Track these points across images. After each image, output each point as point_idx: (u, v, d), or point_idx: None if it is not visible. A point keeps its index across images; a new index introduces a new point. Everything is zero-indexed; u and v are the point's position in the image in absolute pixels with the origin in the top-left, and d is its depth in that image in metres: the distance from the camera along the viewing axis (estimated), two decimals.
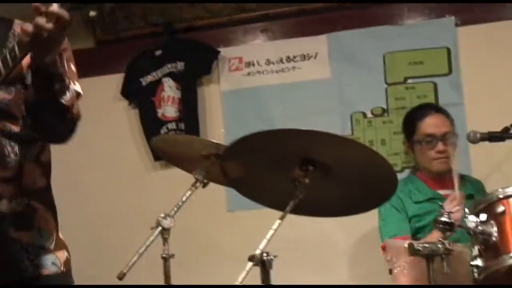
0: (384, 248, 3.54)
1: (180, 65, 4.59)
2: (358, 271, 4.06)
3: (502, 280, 2.52)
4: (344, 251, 4.30)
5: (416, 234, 3.57)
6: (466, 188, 3.70)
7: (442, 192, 3.67)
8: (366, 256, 4.15)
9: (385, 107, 4.43)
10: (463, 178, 3.78)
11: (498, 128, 3.72)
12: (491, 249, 2.48)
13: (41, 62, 2.09)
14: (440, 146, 3.63)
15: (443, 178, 3.71)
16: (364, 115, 4.44)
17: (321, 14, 4.59)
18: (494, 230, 2.48)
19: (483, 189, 3.74)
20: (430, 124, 3.68)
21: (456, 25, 4.36)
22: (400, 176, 4.00)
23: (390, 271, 2.71)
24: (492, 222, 2.50)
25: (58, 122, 2.26)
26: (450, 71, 4.35)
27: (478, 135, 3.64)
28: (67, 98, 2.21)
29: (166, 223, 2.82)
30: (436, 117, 3.72)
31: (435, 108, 3.90)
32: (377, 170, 2.63)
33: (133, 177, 4.65)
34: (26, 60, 2.15)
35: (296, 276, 4.12)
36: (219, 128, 4.64)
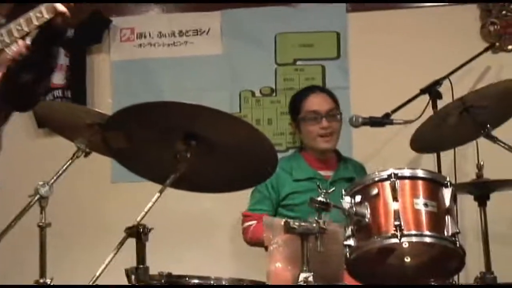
0: (243, 216, 3.76)
1: (69, 32, 4.48)
2: (239, 247, 4.09)
3: (372, 260, 2.60)
4: (226, 226, 4.33)
5: (292, 211, 3.64)
6: (348, 170, 3.78)
7: (323, 172, 3.74)
8: None
9: (273, 87, 4.47)
10: (345, 160, 3.87)
11: (382, 113, 3.84)
12: (363, 230, 2.54)
13: None
14: (324, 122, 3.69)
15: (325, 160, 3.79)
16: (253, 93, 4.48)
17: None
18: (367, 211, 2.54)
19: (365, 172, 3.83)
20: (314, 102, 3.74)
21: (347, 10, 4.44)
22: (284, 155, 4.10)
23: (266, 248, 2.75)
24: (366, 204, 2.56)
25: None
26: (338, 55, 4.44)
27: (360, 119, 3.74)
28: None
29: (44, 191, 2.77)
30: (320, 95, 3.79)
31: (319, 88, 4.01)
32: (259, 149, 2.66)
33: (15, 143, 4.50)
34: None
35: (175, 249, 4.15)
36: (107, 98, 4.58)
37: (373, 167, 3.55)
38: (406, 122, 3.63)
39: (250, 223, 3.70)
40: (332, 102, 3.77)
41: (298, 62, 4.48)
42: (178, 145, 2.64)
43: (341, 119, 3.77)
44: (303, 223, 2.47)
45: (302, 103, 3.77)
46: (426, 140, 3.24)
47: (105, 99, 4.57)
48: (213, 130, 2.63)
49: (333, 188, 2.54)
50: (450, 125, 3.10)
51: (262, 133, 2.64)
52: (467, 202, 3.43)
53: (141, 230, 2.37)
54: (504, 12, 4.33)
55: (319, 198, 2.47)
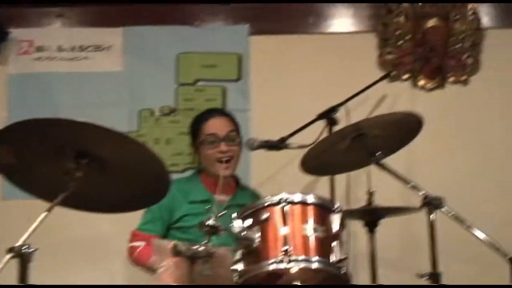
0: (131, 235, 3.68)
1: None
2: (132, 269, 4.04)
3: (261, 284, 2.60)
4: (119, 247, 4.27)
5: (185, 233, 3.61)
6: (245, 197, 3.78)
7: (219, 197, 3.70)
8: None
9: (173, 106, 4.45)
10: (243, 188, 3.87)
11: (281, 136, 3.87)
12: (252, 254, 2.55)
13: None
14: (223, 146, 3.67)
15: (223, 184, 3.76)
16: (152, 112, 4.44)
17: (119, 6, 4.53)
18: (257, 236, 2.55)
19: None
20: (214, 125, 3.73)
21: (249, 33, 4.47)
22: (181, 176, 4.08)
23: (155, 271, 2.72)
24: (256, 228, 2.57)
25: None
26: (239, 77, 4.46)
27: (256, 143, 3.76)
28: None
29: None
30: (220, 119, 3.78)
31: (220, 111, 3.98)
32: (151, 169, 2.64)
33: None
34: None
35: (63, 270, 4.06)
36: (2, 111, 4.45)
37: (270, 191, 3.57)
38: (301, 147, 3.65)
39: (137, 243, 3.63)
40: (232, 126, 3.77)
41: (199, 83, 4.48)
42: (69, 163, 2.59)
43: (240, 143, 3.77)
44: (191, 246, 2.46)
45: (202, 126, 3.75)
46: (317, 163, 3.25)
47: (0, 112, 4.45)
48: (105, 149, 2.60)
49: (224, 211, 2.53)
50: (342, 150, 3.13)
51: (155, 153, 2.62)
52: (359, 227, 3.49)
53: (24, 250, 2.30)
54: (401, 41, 4.44)
55: (209, 222, 2.46)
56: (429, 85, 4.44)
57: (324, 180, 3.89)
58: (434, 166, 4.34)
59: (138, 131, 4.40)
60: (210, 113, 3.85)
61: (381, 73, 4.33)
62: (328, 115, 3.85)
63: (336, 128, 3.79)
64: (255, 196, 3.88)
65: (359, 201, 3.66)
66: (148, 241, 3.52)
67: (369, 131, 3.04)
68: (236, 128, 3.79)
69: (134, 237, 3.68)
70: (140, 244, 3.62)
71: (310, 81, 4.43)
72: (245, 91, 4.44)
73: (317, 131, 3.82)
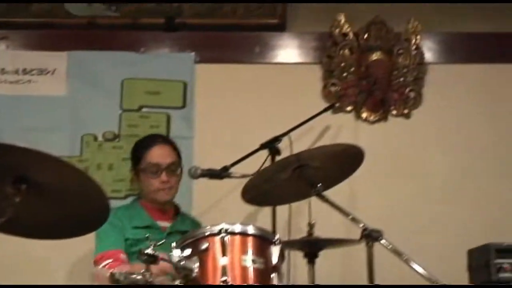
0: (95, 262, 3.53)
1: None
2: None
3: None
4: (59, 273, 4.21)
5: (130, 259, 3.55)
6: (185, 224, 3.76)
7: (160, 223, 3.70)
8: (82, 279, 4.08)
9: (117, 132, 4.42)
10: (183, 215, 3.85)
11: (225, 165, 3.87)
12: (191, 284, 2.53)
13: None
14: (164, 176, 3.65)
15: (164, 210, 3.75)
16: (95, 137, 4.40)
17: (64, 30, 4.51)
18: (196, 266, 2.54)
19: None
20: (156, 154, 3.69)
21: (195, 61, 4.48)
22: (123, 202, 4.04)
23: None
24: (195, 258, 2.56)
25: None
26: (184, 104, 4.45)
27: (198, 171, 3.75)
28: None
29: None
30: (163, 148, 3.75)
31: (163, 138, 3.92)
32: (91, 196, 2.60)
33: None
34: None
35: None
36: None
37: (212, 220, 3.57)
38: (244, 176, 3.65)
39: (105, 262, 3.48)
40: (175, 156, 3.75)
41: (144, 109, 4.46)
42: (7, 188, 2.54)
43: (181, 172, 3.75)
44: (129, 275, 2.44)
45: (145, 153, 3.72)
46: (258, 193, 3.24)
47: None
48: (44, 174, 2.55)
49: (163, 241, 2.52)
50: (283, 180, 3.14)
51: (94, 179, 2.59)
52: (299, 258, 3.50)
53: None
54: (345, 74, 4.50)
55: (147, 251, 2.44)
56: (372, 118, 4.49)
57: (266, 209, 3.90)
58: (375, 198, 4.38)
59: (80, 156, 4.35)
60: (153, 140, 3.81)
61: (325, 104, 4.38)
62: (271, 145, 3.87)
63: (279, 158, 3.81)
64: (196, 223, 3.87)
65: (300, 232, 3.67)
66: (114, 256, 3.46)
67: (311, 162, 3.06)
68: (178, 157, 3.77)
69: (99, 260, 3.56)
70: (108, 262, 3.50)
71: (255, 111, 4.45)
72: (190, 118, 4.44)
73: (260, 161, 3.84)
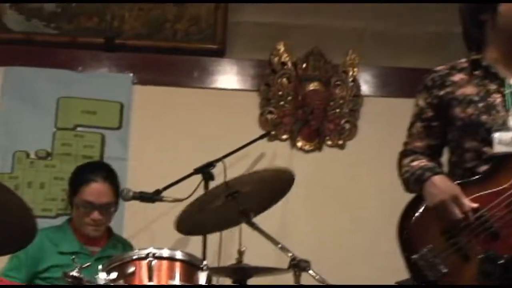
0: None
1: None
2: None
3: None
4: None
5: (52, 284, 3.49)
6: (116, 249, 3.69)
7: (90, 248, 3.62)
8: None
9: (50, 150, 4.35)
10: (116, 238, 3.79)
11: (158, 188, 3.85)
12: None
13: None
14: (96, 214, 3.56)
15: (94, 236, 3.68)
16: (28, 155, 4.32)
17: (2, 45, 4.44)
18: None
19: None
20: (92, 192, 3.56)
21: (133, 82, 4.46)
22: (53, 222, 3.98)
23: None
24: (121, 281, 2.53)
25: None
26: (120, 125, 4.42)
27: (130, 193, 3.72)
28: None
29: None
30: (100, 186, 3.59)
31: (102, 176, 3.67)
32: (18, 215, 2.55)
33: None
34: None
35: None
36: None
37: (142, 243, 3.54)
38: (176, 201, 3.65)
39: None
40: (111, 195, 3.62)
41: (79, 128, 4.40)
42: None
43: (115, 210, 3.67)
44: None
45: (81, 188, 3.58)
46: (191, 223, 3.24)
47: None
48: None
49: (88, 263, 2.49)
50: (215, 208, 3.14)
51: (21, 198, 2.54)
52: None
53: None
54: (282, 102, 4.53)
55: (72, 273, 2.41)
56: (307, 147, 4.53)
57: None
58: (307, 227, 4.40)
59: (11, 173, 4.27)
60: (94, 175, 3.62)
61: (261, 132, 4.40)
62: (205, 170, 3.87)
63: (213, 183, 3.80)
64: (128, 247, 3.81)
65: (231, 258, 3.66)
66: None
67: (242, 188, 3.07)
68: (115, 195, 3.65)
69: None
70: None
71: (191, 135, 4.44)
72: (125, 140, 4.40)
73: (194, 185, 3.83)
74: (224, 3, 4.52)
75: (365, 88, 4.66)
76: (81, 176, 3.67)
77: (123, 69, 4.49)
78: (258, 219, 3.31)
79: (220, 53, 4.57)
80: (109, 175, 3.70)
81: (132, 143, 4.41)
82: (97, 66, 4.52)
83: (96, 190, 3.58)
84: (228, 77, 4.58)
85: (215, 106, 4.50)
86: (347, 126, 4.60)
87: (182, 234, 3.31)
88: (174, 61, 4.54)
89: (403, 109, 4.54)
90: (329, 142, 4.57)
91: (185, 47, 4.53)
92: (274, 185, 3.22)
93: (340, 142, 4.58)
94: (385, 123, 4.58)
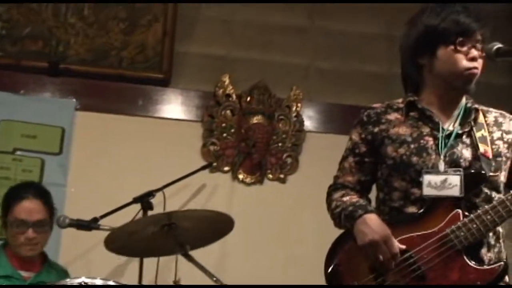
0: None
1: None
2: None
3: None
4: None
5: None
6: (51, 275, 3.63)
7: (23, 273, 3.55)
8: None
9: None
10: (50, 264, 3.72)
11: (97, 215, 3.80)
12: None
13: None
14: (30, 233, 3.49)
15: (29, 260, 3.61)
16: None
17: None
18: None
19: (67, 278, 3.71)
20: (24, 209, 3.51)
21: (76, 108, 4.42)
22: None
23: None
24: None
25: None
26: (60, 151, 4.37)
27: (66, 221, 3.67)
28: None
29: None
30: (33, 203, 3.55)
31: (34, 192, 3.64)
32: None
33: None
34: None
35: None
36: None
37: (78, 271, 3.51)
38: (112, 229, 3.61)
39: None
40: (45, 212, 3.57)
41: (18, 152, 4.34)
42: None
43: (51, 229, 3.62)
44: None
45: (13, 206, 3.53)
46: (122, 243, 3.19)
47: None
48: None
49: None
50: (150, 234, 3.10)
51: None
52: None
53: None
54: (225, 134, 4.54)
55: None
56: (249, 180, 4.54)
57: (134, 263, 3.85)
58: (246, 260, 4.40)
59: None
60: (25, 192, 3.59)
61: (203, 163, 4.41)
62: (144, 199, 3.84)
63: (151, 213, 3.78)
64: (62, 274, 3.75)
65: None
66: None
67: (181, 222, 3.05)
68: (49, 212, 3.60)
69: None
70: None
71: (132, 163, 4.42)
72: (65, 166, 4.36)
73: (133, 214, 3.80)
74: (172, 33, 4.53)
75: (308, 124, 4.71)
76: (13, 195, 3.63)
77: (66, 94, 4.45)
78: (195, 251, 3.31)
79: (165, 83, 4.57)
80: (41, 193, 3.66)
81: (72, 169, 4.37)
82: (40, 90, 4.47)
83: (28, 207, 3.54)
84: (173, 106, 4.58)
85: (158, 136, 4.49)
86: (289, 160, 4.63)
87: (111, 251, 3.24)
88: (118, 89, 4.52)
89: (345, 146, 4.66)
90: (270, 176, 4.59)
91: (130, 75, 4.52)
92: (213, 226, 3.21)
93: (282, 176, 4.60)
94: (327, 159, 4.53)
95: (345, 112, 4.71)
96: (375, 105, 2.69)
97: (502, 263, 2.42)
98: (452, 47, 2.48)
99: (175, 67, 4.57)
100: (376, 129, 2.61)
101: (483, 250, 2.44)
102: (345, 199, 2.61)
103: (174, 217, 3.05)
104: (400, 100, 2.66)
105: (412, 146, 2.52)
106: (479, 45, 2.49)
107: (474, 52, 2.47)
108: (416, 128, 2.56)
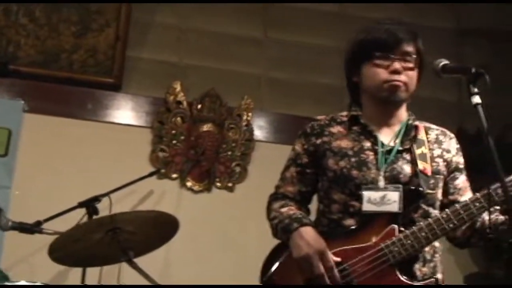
0: None
1: None
2: None
3: None
4: None
5: None
6: None
7: None
8: None
9: None
10: None
11: (42, 219, 3.75)
12: None
13: None
14: None
15: None
16: None
17: None
18: None
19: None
20: None
21: (24, 110, 4.36)
22: None
23: None
24: None
25: None
26: (6, 153, 4.30)
27: (9, 223, 3.62)
28: None
29: None
30: None
31: None
32: None
33: None
34: None
35: None
36: None
37: (19, 275, 3.46)
38: (56, 233, 3.57)
39: None
40: None
41: None
42: None
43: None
44: None
45: None
46: (66, 252, 3.17)
47: None
48: None
49: None
50: (94, 241, 3.09)
51: None
52: None
53: None
54: (174, 141, 4.53)
55: None
56: (197, 187, 4.53)
57: (77, 268, 3.81)
58: (192, 268, 4.38)
59: None
60: None
61: (151, 169, 4.38)
62: (89, 204, 3.81)
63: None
64: (2, 278, 3.70)
65: None
66: None
67: (125, 226, 3.03)
68: None
69: None
70: None
71: (80, 167, 4.37)
72: (11, 167, 4.29)
73: (77, 219, 3.76)
74: (124, 38, 4.50)
75: (258, 133, 4.72)
76: None
77: (14, 95, 4.39)
78: (141, 257, 3.30)
79: (116, 87, 4.54)
80: None
81: (17, 171, 4.30)
82: None
83: None
84: (122, 112, 4.55)
85: (106, 140, 4.45)
86: (238, 169, 4.63)
87: (55, 261, 3.21)
88: (68, 92, 4.48)
89: None
90: (218, 184, 4.58)
91: (81, 79, 4.48)
92: (158, 229, 3.20)
93: (230, 184, 4.60)
94: (275, 169, 4.53)
95: (295, 123, 4.70)
96: (319, 117, 2.72)
97: (433, 279, 2.47)
98: (372, 62, 2.54)
99: (126, 72, 4.55)
100: (318, 141, 2.63)
101: (418, 265, 2.47)
102: (282, 210, 2.63)
103: (118, 220, 3.03)
104: (344, 114, 2.70)
105: (352, 159, 2.54)
106: (409, 58, 2.54)
107: (396, 65, 2.52)
108: (358, 142, 2.59)
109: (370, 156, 2.55)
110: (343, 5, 4.97)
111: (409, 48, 2.55)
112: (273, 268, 2.57)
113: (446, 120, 4.77)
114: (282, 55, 4.84)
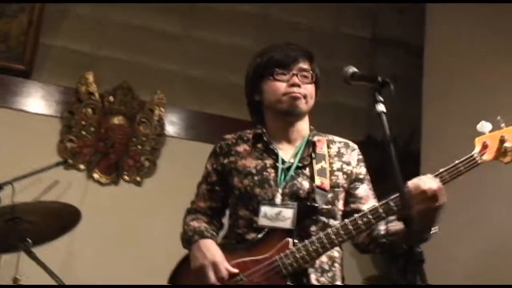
0: None
1: None
2: None
3: None
4: None
5: None
6: None
7: None
8: None
9: None
10: None
11: None
12: None
13: None
14: None
15: None
16: None
17: None
18: None
19: None
20: None
21: None
22: None
23: None
24: None
25: None
26: None
27: None
28: None
29: None
30: None
31: None
32: None
33: None
34: None
35: None
36: None
37: None
38: None
39: None
40: None
41: None
42: None
43: None
44: None
45: None
46: None
47: None
48: None
49: None
50: None
51: None
52: None
53: None
54: (84, 132, 4.48)
55: None
56: (104, 180, 4.50)
57: None
58: (95, 260, 4.33)
59: None
60: None
61: (58, 159, 4.32)
62: None
63: None
64: None
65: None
66: None
67: (25, 215, 2.99)
68: None
69: None
70: None
71: None
72: None
73: None
74: (37, 24, 4.43)
75: (169, 129, 4.72)
76: None
77: None
78: (42, 248, 3.25)
79: (26, 74, 4.46)
80: None
81: None
82: None
83: None
84: (32, 100, 4.48)
85: (14, 127, 4.38)
86: (147, 163, 4.62)
87: None
88: None
89: (204, 154, 4.64)
90: (126, 177, 4.56)
91: None
92: (59, 220, 3.16)
93: (138, 178, 4.58)
94: (185, 165, 4.62)
95: (207, 120, 4.75)
96: (227, 136, 2.82)
97: None
98: (271, 77, 2.66)
99: (38, 60, 4.48)
100: (225, 161, 2.73)
101: (315, 275, 2.57)
102: (191, 223, 2.73)
103: (18, 210, 2.98)
104: (250, 131, 2.79)
105: (256, 178, 2.65)
106: (306, 74, 2.68)
107: (295, 79, 2.65)
108: (261, 160, 2.69)
109: (272, 173, 2.65)
110: (265, 6, 5.01)
111: (306, 66, 2.70)
112: (180, 277, 2.67)
113: (357, 126, 4.90)
114: (199, 53, 4.84)
